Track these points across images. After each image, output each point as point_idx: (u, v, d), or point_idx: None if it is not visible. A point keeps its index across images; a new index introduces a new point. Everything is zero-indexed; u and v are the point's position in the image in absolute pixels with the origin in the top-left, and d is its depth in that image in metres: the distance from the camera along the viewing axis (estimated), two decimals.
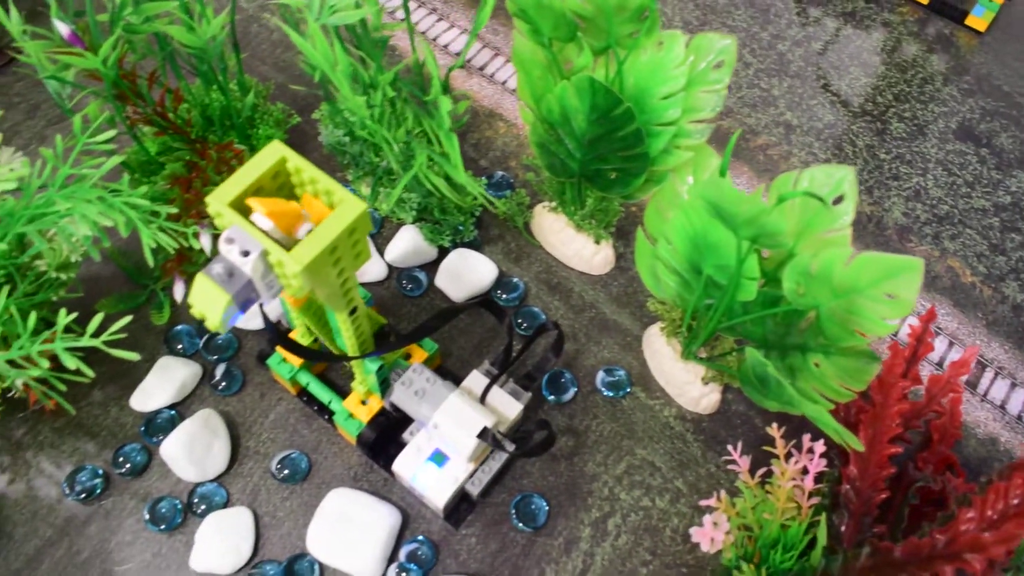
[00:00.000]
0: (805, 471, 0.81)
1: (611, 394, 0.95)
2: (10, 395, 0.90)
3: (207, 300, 0.61)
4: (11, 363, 0.83)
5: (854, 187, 0.77)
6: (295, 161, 0.64)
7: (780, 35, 1.32)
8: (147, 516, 0.87)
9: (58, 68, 0.86)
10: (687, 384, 0.94)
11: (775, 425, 0.81)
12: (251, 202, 0.59)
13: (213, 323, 0.62)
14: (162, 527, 0.87)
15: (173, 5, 0.87)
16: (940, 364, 1.02)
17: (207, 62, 0.92)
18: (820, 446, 0.79)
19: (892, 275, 0.67)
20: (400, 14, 1.30)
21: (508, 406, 0.87)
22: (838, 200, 0.77)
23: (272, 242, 0.60)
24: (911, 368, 0.88)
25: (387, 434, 0.88)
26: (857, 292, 0.69)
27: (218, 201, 0.62)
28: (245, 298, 0.63)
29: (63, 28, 0.84)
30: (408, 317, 1.00)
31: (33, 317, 0.74)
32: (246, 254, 0.60)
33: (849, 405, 0.85)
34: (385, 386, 0.86)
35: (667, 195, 0.88)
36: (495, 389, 0.87)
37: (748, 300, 0.79)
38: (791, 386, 0.75)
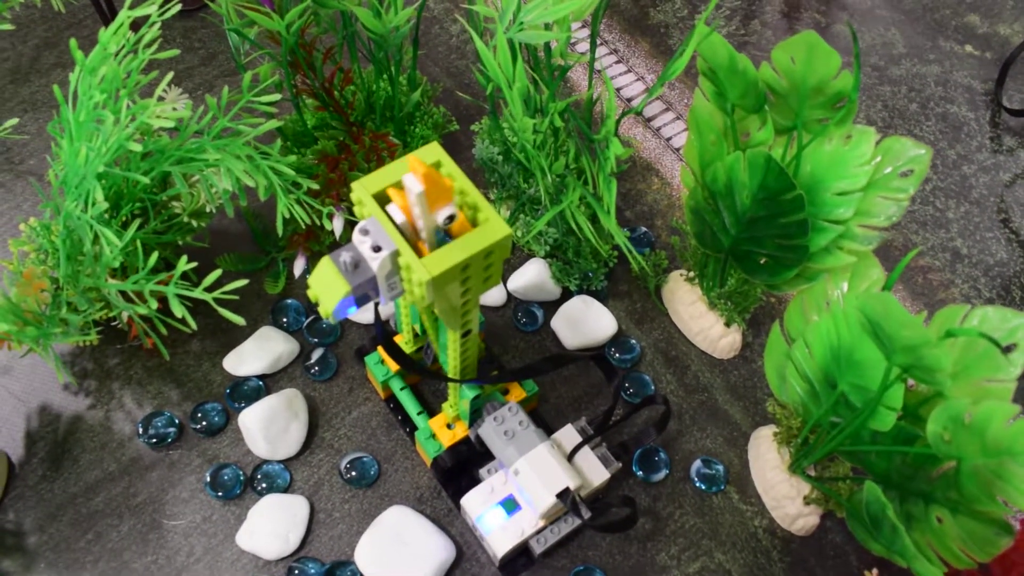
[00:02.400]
0: None
1: (703, 487, 0.89)
2: (114, 324, 0.91)
3: (326, 286, 0.59)
4: (123, 294, 0.83)
5: None
6: (450, 168, 0.61)
7: (968, 157, 1.24)
8: (208, 479, 0.86)
9: (243, 23, 0.87)
10: (787, 499, 0.87)
11: (875, 572, 0.74)
12: (412, 160, 0.55)
13: (325, 310, 0.59)
14: (220, 494, 0.85)
15: None
16: None
17: (384, 50, 0.91)
18: None
19: None
20: (581, 47, 1.28)
21: (595, 471, 0.82)
22: (1009, 349, 0.70)
23: (406, 244, 0.58)
24: None
25: (464, 465, 0.84)
26: (1012, 456, 0.62)
27: (363, 189, 0.60)
28: (363, 293, 0.60)
29: None
30: (515, 350, 0.96)
31: (155, 256, 0.73)
32: (377, 249, 0.58)
33: (962, 572, 0.77)
34: (476, 416, 0.82)
35: (816, 296, 0.82)
36: (585, 450, 0.83)
37: (881, 431, 0.72)
38: (907, 536, 0.68)
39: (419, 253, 0.59)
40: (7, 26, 1.00)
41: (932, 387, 0.71)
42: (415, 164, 0.54)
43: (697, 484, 0.89)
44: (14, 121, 1.02)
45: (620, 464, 0.84)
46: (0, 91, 1.16)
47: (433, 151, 0.62)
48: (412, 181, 0.56)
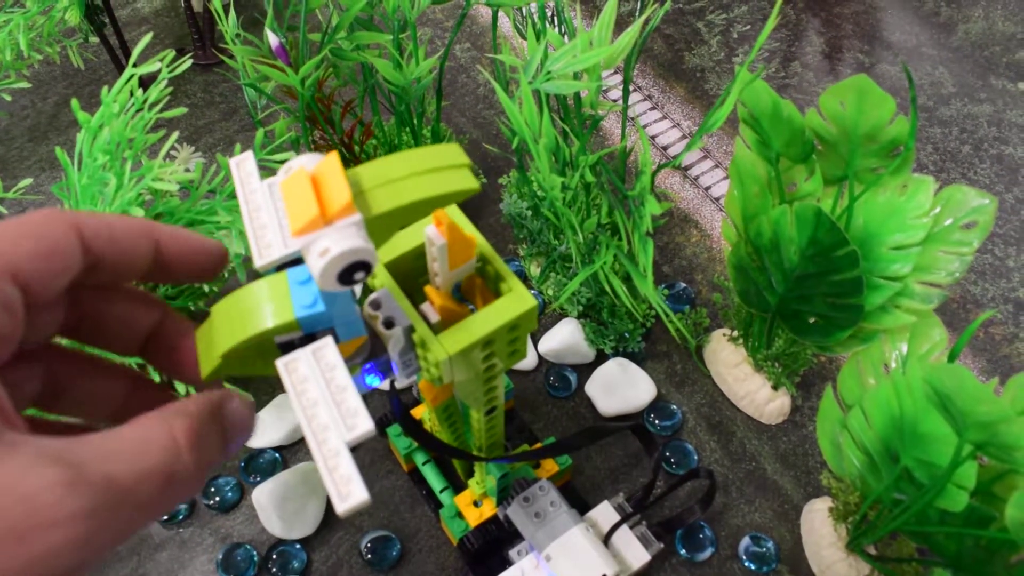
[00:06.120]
0: None
1: (753, 566, 0.81)
2: None
3: None
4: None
5: None
6: (469, 231, 0.56)
7: None
8: (220, 558, 0.80)
9: (258, 77, 0.83)
10: None
11: None
12: (438, 212, 0.50)
13: None
14: None
15: (387, 39, 0.83)
16: None
17: (406, 102, 0.87)
18: None
19: None
20: (613, 94, 1.23)
21: (634, 554, 0.75)
22: None
23: (420, 319, 0.52)
24: None
25: (492, 545, 0.78)
26: None
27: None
28: (384, 367, 0.55)
29: (273, 39, 0.81)
30: (547, 418, 0.90)
31: None
32: (389, 325, 0.52)
33: None
34: (505, 494, 0.76)
35: (872, 358, 0.75)
36: (624, 529, 0.76)
37: (951, 511, 0.65)
38: None
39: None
40: (24, 84, 0.98)
41: (1009, 465, 0.64)
42: (440, 216, 0.49)
43: (746, 563, 0.82)
44: (28, 181, 0.99)
45: (662, 544, 0.77)
46: (19, 150, 1.14)
47: (450, 212, 0.57)
48: (435, 233, 0.50)
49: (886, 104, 0.69)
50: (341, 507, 0.38)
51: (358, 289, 0.48)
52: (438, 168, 0.45)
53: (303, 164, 0.42)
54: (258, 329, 0.44)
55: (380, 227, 0.43)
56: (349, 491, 0.38)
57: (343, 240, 0.39)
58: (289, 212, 0.41)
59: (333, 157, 0.41)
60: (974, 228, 0.73)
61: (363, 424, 0.40)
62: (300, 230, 0.39)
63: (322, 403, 0.41)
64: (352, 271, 0.41)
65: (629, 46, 0.68)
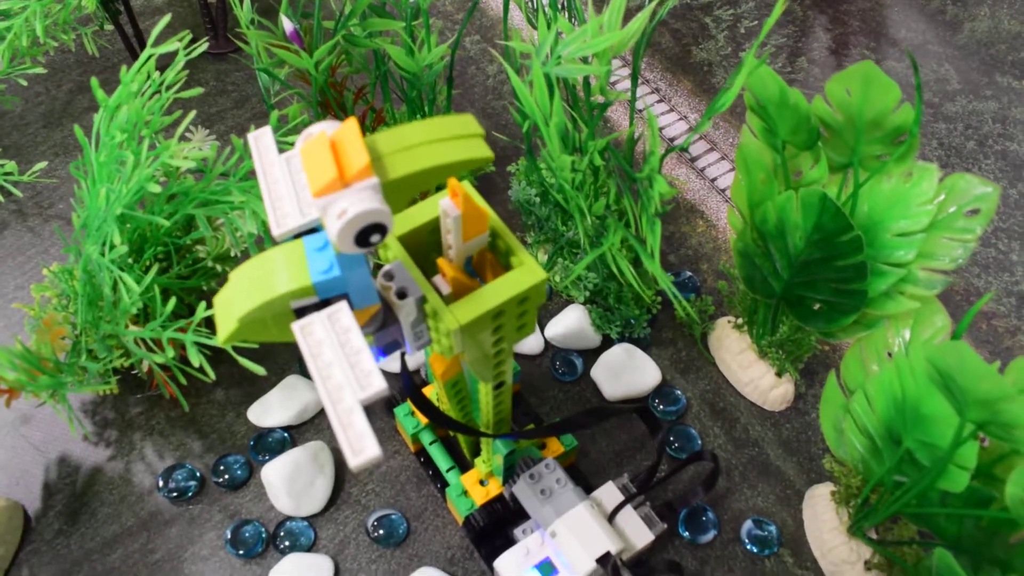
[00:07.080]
0: None
1: (755, 549, 0.82)
2: (134, 372, 0.88)
3: None
4: (142, 342, 0.80)
5: None
6: (482, 206, 0.57)
7: None
8: (229, 535, 0.81)
9: (273, 63, 0.85)
10: (846, 564, 0.80)
11: None
12: (452, 183, 0.51)
13: None
14: (240, 552, 0.80)
15: (399, 26, 0.84)
16: None
17: (417, 89, 0.88)
18: None
19: None
20: (621, 85, 1.24)
21: (638, 533, 0.76)
22: None
23: (432, 290, 0.53)
24: None
25: (498, 524, 0.79)
26: None
27: None
28: (389, 341, 0.56)
29: (288, 25, 0.83)
30: (553, 402, 0.91)
31: (172, 302, 0.70)
32: (403, 296, 0.53)
33: None
34: (510, 473, 0.77)
35: (876, 344, 0.76)
36: (628, 509, 0.77)
37: (952, 492, 0.66)
38: None
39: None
40: (40, 69, 0.99)
41: (1010, 445, 0.65)
42: (455, 187, 0.50)
43: (748, 546, 0.83)
44: (42, 165, 1.01)
45: (665, 525, 0.78)
46: (33, 135, 1.15)
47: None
48: (450, 205, 0.52)
49: (891, 91, 0.70)
50: (354, 461, 0.39)
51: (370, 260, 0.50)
52: (453, 137, 0.46)
53: (323, 129, 0.43)
54: (275, 293, 0.45)
55: (396, 192, 0.45)
56: (362, 446, 0.39)
57: (361, 202, 0.41)
58: (308, 174, 0.42)
59: (352, 123, 0.42)
60: (977, 215, 0.74)
61: (377, 383, 0.41)
62: (320, 191, 0.41)
63: (337, 364, 0.42)
64: (369, 233, 0.42)
65: (639, 32, 0.69)
